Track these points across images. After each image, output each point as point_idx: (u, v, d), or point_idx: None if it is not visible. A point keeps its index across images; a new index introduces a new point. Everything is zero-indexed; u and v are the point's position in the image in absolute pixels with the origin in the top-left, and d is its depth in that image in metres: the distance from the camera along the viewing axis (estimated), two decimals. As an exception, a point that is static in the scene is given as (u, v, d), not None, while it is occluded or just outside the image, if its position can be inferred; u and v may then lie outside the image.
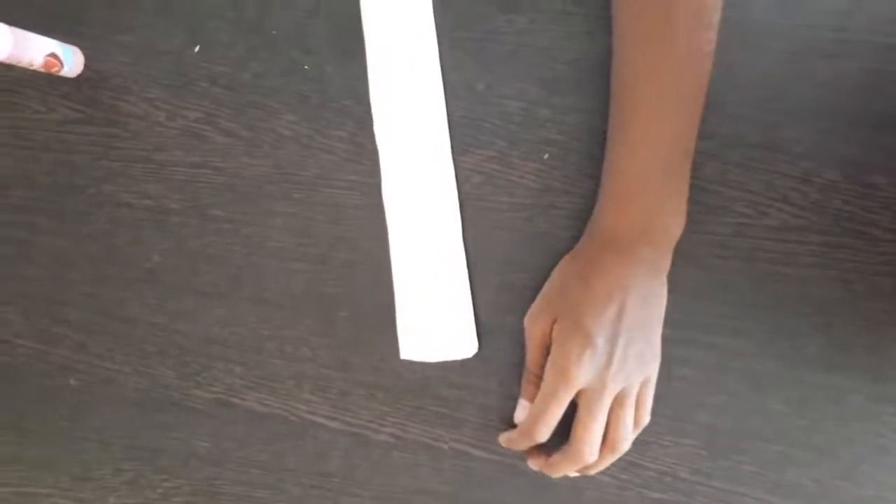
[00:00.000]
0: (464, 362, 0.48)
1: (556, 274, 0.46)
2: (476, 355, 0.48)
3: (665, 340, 0.46)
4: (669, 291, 0.45)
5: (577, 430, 0.43)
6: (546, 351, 0.44)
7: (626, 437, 0.43)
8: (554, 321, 0.44)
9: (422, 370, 0.49)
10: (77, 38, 0.51)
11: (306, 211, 0.49)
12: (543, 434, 0.44)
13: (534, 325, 0.45)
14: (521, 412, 0.46)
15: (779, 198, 0.45)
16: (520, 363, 0.47)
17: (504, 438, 0.46)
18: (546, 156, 0.47)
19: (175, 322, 0.51)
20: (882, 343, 0.44)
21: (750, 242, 0.45)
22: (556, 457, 0.44)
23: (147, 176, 0.51)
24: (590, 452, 0.43)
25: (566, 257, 0.46)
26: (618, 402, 0.43)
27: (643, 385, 0.44)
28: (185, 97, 0.50)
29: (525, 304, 0.47)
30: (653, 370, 0.44)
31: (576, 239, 0.46)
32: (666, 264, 0.44)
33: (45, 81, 0.52)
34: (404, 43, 0.48)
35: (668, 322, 0.46)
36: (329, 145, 0.49)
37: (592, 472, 0.45)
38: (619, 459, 0.46)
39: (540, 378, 0.44)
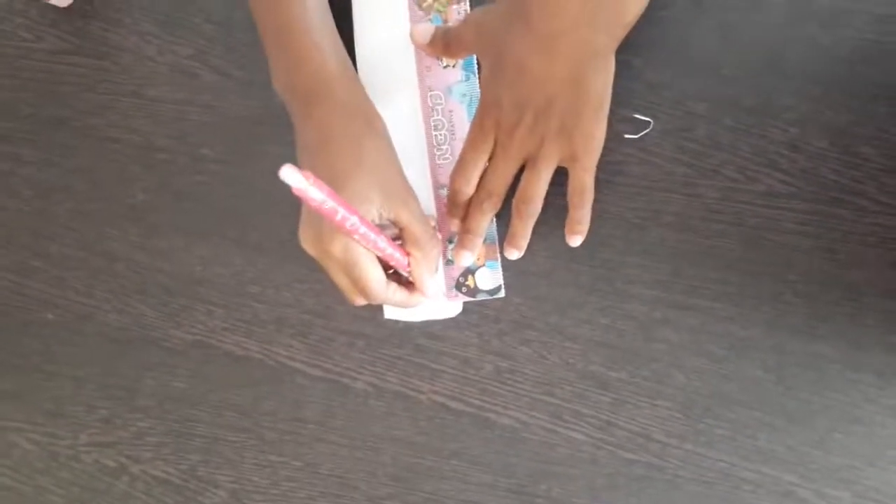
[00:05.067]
0: (445, 314, 0.48)
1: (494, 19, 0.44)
2: (458, 307, 0.48)
3: (647, 301, 0.46)
4: (654, 253, 0.45)
5: (481, 178, 0.46)
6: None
7: (531, 198, 0.45)
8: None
9: (403, 321, 0.48)
10: (69, -34, 0.50)
11: (296, 154, 0.49)
12: (463, 186, 0.46)
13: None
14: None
15: (767, 163, 0.45)
16: (499, 317, 0.47)
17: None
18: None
19: (157, 261, 0.51)
20: (863, 313, 0.45)
21: (737, 207, 0.45)
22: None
23: (135, 111, 0.50)
24: (491, 204, 0.46)
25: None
26: (528, 165, 0.45)
27: (573, 161, 0.44)
28: (178, 32, 0.50)
29: (506, 261, 0.47)
30: (582, 148, 0.44)
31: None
32: (605, 43, 0.43)
33: (34, 9, 0.51)
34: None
35: (652, 283, 0.46)
36: (321, 89, 0.49)
37: (515, 241, 0.46)
38: (594, 418, 0.46)
39: None
